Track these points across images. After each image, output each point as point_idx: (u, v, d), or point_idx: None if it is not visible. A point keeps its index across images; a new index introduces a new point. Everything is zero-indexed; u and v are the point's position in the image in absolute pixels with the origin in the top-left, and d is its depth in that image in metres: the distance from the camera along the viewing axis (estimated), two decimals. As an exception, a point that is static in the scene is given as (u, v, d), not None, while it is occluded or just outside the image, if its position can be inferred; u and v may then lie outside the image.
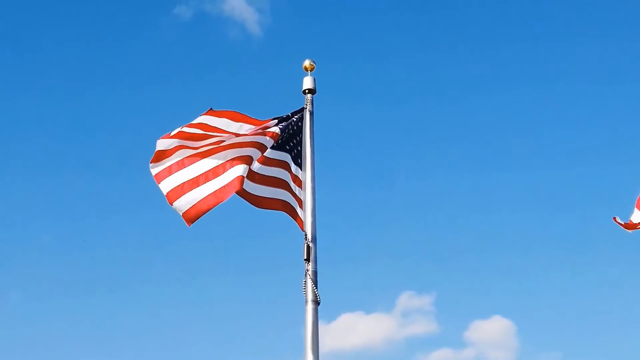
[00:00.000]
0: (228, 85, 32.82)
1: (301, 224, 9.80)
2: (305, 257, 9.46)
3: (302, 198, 9.95)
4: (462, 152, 33.97)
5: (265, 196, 9.89)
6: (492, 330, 30.57)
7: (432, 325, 30.18)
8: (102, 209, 31.20)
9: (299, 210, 9.90)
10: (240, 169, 9.39)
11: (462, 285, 31.19)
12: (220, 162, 9.54)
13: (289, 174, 10.08)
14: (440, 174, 33.61)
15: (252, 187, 9.73)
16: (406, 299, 30.92)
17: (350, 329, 29.89)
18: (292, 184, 10.06)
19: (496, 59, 34.54)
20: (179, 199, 9.40)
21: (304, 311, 9.30)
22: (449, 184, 33.65)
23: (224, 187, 9.40)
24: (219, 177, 9.49)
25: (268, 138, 9.80)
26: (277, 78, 31.07)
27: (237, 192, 9.46)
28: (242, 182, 9.36)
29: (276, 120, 10.12)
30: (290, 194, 9.96)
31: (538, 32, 34.83)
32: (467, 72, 34.89)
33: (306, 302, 9.29)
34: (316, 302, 9.29)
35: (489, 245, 32.36)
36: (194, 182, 9.48)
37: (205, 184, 9.48)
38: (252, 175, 9.68)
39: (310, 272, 9.39)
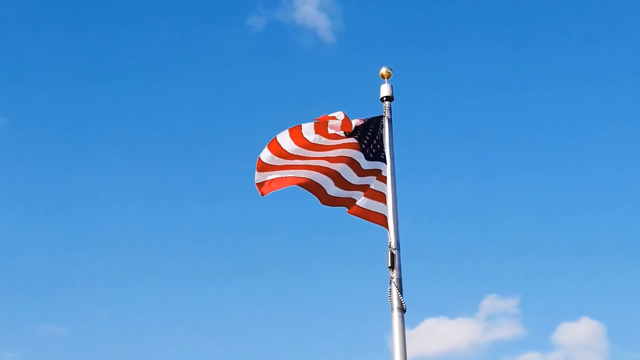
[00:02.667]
0: (303, 94, 33.03)
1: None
2: (389, 265, 9.47)
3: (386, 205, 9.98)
4: (544, 152, 33.50)
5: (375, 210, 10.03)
6: (581, 333, 30.03)
7: (518, 329, 29.80)
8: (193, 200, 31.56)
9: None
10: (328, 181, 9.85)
11: (548, 286, 30.70)
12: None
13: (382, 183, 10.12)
14: (523, 174, 33.21)
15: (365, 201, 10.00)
16: (490, 303, 30.60)
17: (434, 334, 29.71)
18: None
19: (567, 57, 33.97)
20: (264, 173, 9.74)
21: (389, 318, 9.32)
22: (531, 184, 33.21)
23: (306, 178, 9.86)
24: (308, 171, 9.91)
25: (353, 150, 10.04)
26: (352, 85, 31.10)
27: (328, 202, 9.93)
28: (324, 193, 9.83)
29: (357, 130, 10.21)
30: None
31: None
32: (543, 71, 34.38)
33: (392, 309, 9.29)
34: (402, 310, 9.29)
35: (575, 245, 31.82)
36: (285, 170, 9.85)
37: (291, 170, 9.87)
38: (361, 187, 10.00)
39: (395, 280, 9.39)
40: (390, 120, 10.39)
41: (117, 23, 34.50)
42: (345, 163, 10.06)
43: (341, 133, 10.07)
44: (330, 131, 10.00)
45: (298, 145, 9.93)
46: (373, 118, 10.37)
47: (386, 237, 9.67)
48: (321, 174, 9.98)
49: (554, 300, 30.29)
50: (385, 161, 10.09)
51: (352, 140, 10.09)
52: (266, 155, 9.86)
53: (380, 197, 9.99)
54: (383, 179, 10.05)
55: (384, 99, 10.52)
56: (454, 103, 33.95)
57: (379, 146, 10.18)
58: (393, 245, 9.56)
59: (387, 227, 9.76)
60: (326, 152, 10.00)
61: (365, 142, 10.14)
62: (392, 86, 10.57)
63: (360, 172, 10.11)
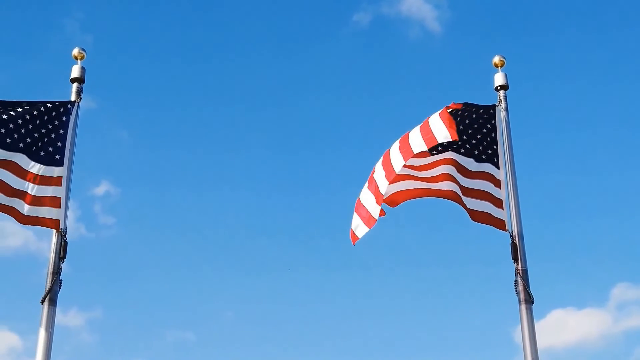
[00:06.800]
0: (413, 87, 32.76)
1: (501, 224, 9.60)
2: (513, 257, 9.29)
3: (501, 197, 9.76)
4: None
5: (478, 210, 9.77)
6: None
7: (652, 317, 28.72)
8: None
9: (496, 211, 9.67)
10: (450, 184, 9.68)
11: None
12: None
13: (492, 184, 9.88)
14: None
15: (468, 202, 9.72)
16: (621, 291, 29.60)
17: (562, 326, 29.00)
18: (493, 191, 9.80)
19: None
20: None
21: (516, 311, 9.15)
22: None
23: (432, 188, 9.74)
24: (430, 182, 9.74)
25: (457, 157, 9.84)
26: (464, 76, 30.62)
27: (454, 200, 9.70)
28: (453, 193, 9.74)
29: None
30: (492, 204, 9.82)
31: None
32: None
33: (519, 302, 9.11)
34: (530, 301, 9.09)
35: None
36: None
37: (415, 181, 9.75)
38: (464, 190, 9.74)
39: (520, 272, 9.21)
40: (506, 109, 10.23)
41: (221, 29, 35.14)
42: (448, 179, 9.80)
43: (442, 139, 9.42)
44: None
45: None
46: (479, 108, 10.12)
47: (513, 229, 9.49)
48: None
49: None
50: (496, 164, 9.86)
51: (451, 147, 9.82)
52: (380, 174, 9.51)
53: (487, 196, 9.75)
54: (490, 178, 9.82)
55: (498, 88, 10.36)
56: (573, 90, 33.03)
57: (493, 146, 9.98)
58: (515, 235, 9.40)
59: (492, 224, 9.58)
60: (427, 172, 9.83)
61: (473, 142, 9.91)
62: (506, 75, 10.40)
63: (470, 174, 9.87)
